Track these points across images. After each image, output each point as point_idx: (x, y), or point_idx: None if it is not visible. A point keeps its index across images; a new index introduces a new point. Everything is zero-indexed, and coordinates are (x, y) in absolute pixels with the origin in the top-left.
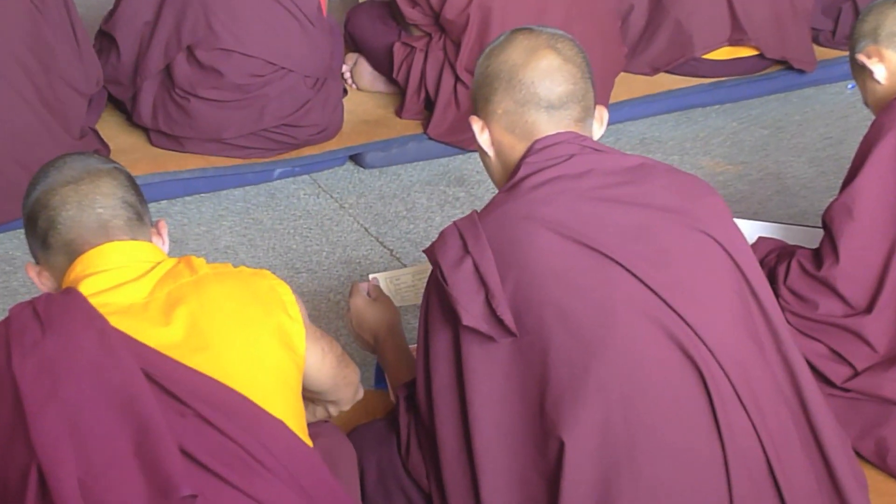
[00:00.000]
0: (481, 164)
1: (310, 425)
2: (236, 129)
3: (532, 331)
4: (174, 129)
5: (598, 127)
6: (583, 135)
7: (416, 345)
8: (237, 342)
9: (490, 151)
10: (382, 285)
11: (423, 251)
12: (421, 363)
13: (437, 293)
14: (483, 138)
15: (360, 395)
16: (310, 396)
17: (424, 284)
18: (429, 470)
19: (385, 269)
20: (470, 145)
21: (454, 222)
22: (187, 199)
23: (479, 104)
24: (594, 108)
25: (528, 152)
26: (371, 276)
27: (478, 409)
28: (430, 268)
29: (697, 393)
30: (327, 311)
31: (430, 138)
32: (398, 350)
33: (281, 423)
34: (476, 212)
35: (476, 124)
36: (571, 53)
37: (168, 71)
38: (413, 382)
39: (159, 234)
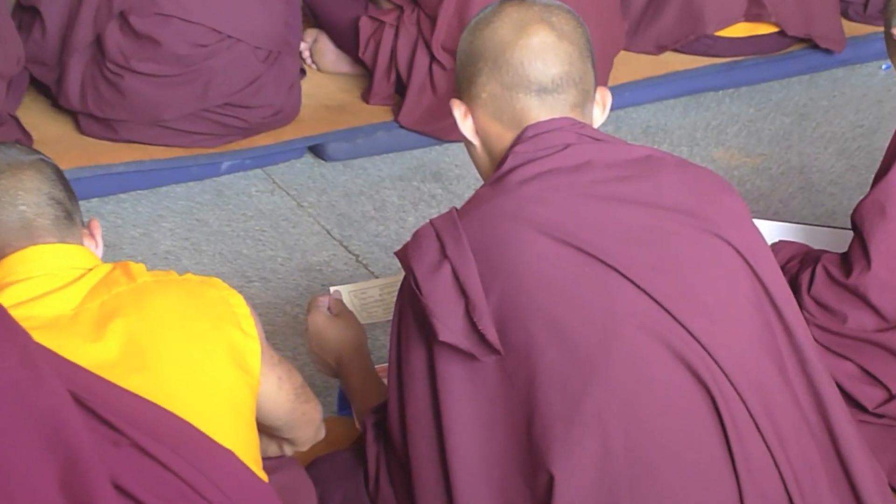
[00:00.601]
0: (461, 157)
1: (265, 458)
2: (177, 108)
3: (519, 349)
4: (106, 111)
5: (599, 112)
6: (581, 122)
7: (385, 364)
8: (181, 361)
9: (475, 140)
10: (346, 300)
11: (395, 253)
12: (393, 385)
13: (411, 304)
14: (466, 125)
15: (322, 434)
16: (262, 429)
17: (394, 299)
18: None
19: (350, 278)
20: (448, 135)
21: (430, 221)
22: (122, 196)
23: (461, 85)
24: (594, 91)
25: (518, 140)
26: (332, 290)
27: (457, 437)
28: (400, 279)
29: (709, 421)
30: (283, 326)
31: (402, 127)
32: (364, 373)
33: (231, 454)
34: (456, 209)
35: (458, 109)
36: (568, 28)
37: (99, 43)
38: (383, 407)
39: (92, 235)
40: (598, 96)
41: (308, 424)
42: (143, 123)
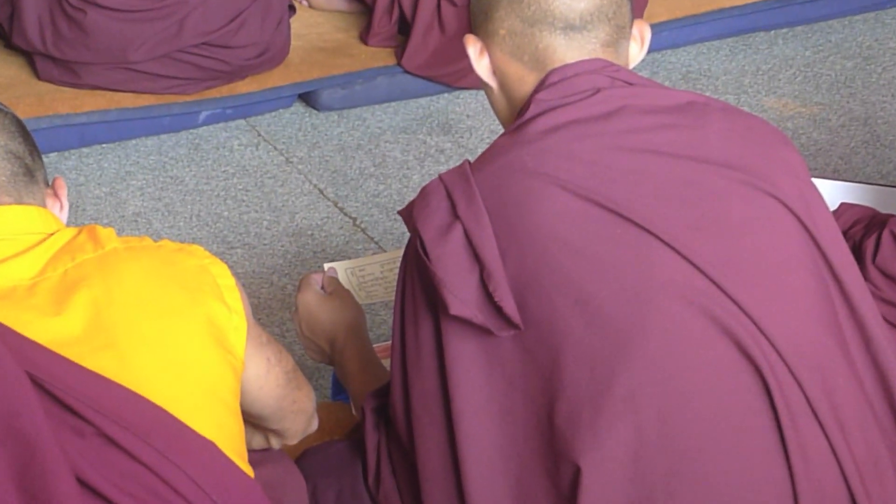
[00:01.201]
0: (472, 105)
1: (249, 451)
2: (148, 49)
3: (541, 323)
4: (66, 51)
5: (637, 49)
6: (614, 63)
7: (387, 343)
8: (154, 338)
9: (492, 82)
10: (342, 277)
11: (399, 213)
12: (397, 365)
13: (418, 272)
14: (482, 65)
15: (314, 426)
16: (247, 419)
17: (397, 277)
18: (405, 502)
19: (346, 243)
20: (458, 81)
21: (440, 176)
22: (84, 150)
23: (476, 19)
24: (630, 26)
25: (541, 86)
26: (326, 267)
27: (470, 424)
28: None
29: (759, 406)
30: (269, 299)
31: (406, 72)
32: (362, 357)
33: (211, 444)
34: (469, 162)
35: (472, 46)
36: None
37: None
38: (384, 391)
39: (56, 196)
40: (634, 31)
41: (299, 414)
42: (109, 66)
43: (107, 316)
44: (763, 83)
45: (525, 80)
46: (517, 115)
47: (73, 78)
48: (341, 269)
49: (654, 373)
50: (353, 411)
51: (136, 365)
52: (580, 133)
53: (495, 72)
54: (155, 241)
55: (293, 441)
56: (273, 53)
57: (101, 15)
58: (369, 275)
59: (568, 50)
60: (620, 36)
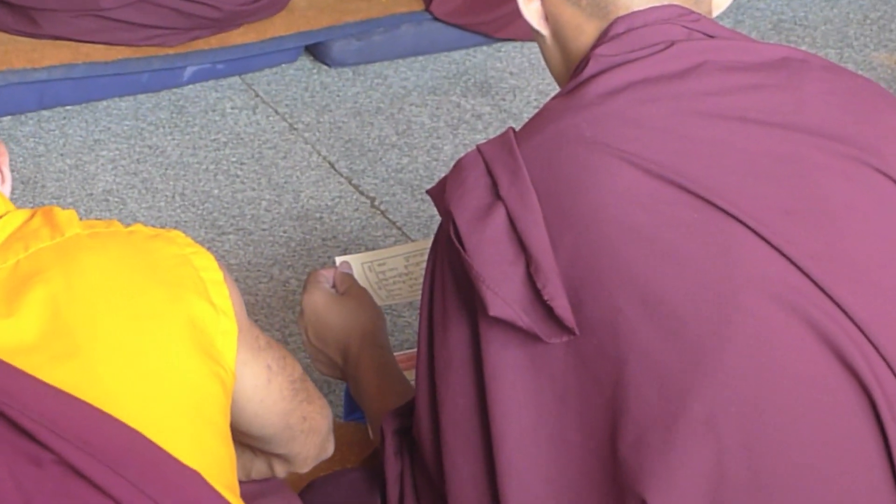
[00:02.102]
0: (517, 60)
1: (246, 482)
2: None
3: (601, 327)
4: None
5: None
6: (693, 11)
7: (411, 351)
8: (125, 345)
9: (543, 30)
10: (357, 273)
11: (427, 192)
12: (424, 378)
13: (450, 264)
14: (530, 9)
15: (330, 450)
16: (245, 441)
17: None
18: None
19: (362, 229)
20: (500, 31)
21: (478, 147)
22: (44, 113)
23: None
24: None
25: (603, 37)
26: (338, 261)
27: (513, 449)
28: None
29: (865, 432)
30: (269, 295)
31: (436, 19)
32: (381, 369)
33: (195, 474)
34: (514, 131)
35: None
36: None
37: None
38: (408, 409)
39: None
40: None
41: (310, 434)
42: (75, 13)
43: (68, 317)
44: (871, 35)
45: (583, 30)
46: (573, 74)
47: (32, 27)
48: (357, 264)
49: (739, 390)
50: (371, 434)
51: (103, 377)
52: (649, 95)
53: (547, 17)
54: (128, 225)
55: (304, 469)
56: (273, 0)
57: None
58: (391, 270)
59: None
60: None
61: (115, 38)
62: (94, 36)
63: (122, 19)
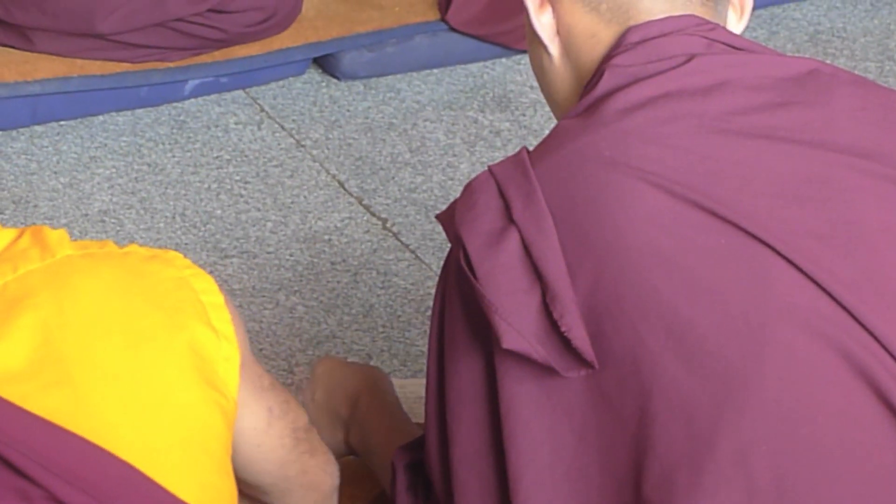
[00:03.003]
0: None
1: None
2: (122, 18)
3: (623, 360)
4: (16, 14)
5: (735, 19)
6: (711, 21)
7: (420, 380)
8: (119, 372)
9: (552, 47)
10: None
11: (437, 217)
12: (433, 413)
13: (460, 293)
14: (543, 22)
15: None
16: (241, 488)
17: None
18: None
19: (374, 251)
20: (519, 42)
21: (489, 168)
22: (37, 129)
23: None
24: None
25: (618, 47)
26: None
27: (529, 489)
28: None
29: None
30: (274, 322)
31: (452, 29)
32: (391, 412)
33: None
34: (528, 151)
35: (531, 0)
36: None
37: None
38: (419, 443)
39: None
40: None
41: (310, 491)
42: (71, 34)
43: (59, 344)
44: None
45: (599, 38)
46: (586, 90)
47: (25, 43)
48: None
49: (771, 426)
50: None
51: (96, 408)
52: (671, 113)
53: (559, 31)
54: (124, 246)
55: None
56: (281, 17)
57: None
58: (412, 394)
59: (656, 1)
60: None
61: (113, 56)
62: (90, 54)
63: (122, 41)
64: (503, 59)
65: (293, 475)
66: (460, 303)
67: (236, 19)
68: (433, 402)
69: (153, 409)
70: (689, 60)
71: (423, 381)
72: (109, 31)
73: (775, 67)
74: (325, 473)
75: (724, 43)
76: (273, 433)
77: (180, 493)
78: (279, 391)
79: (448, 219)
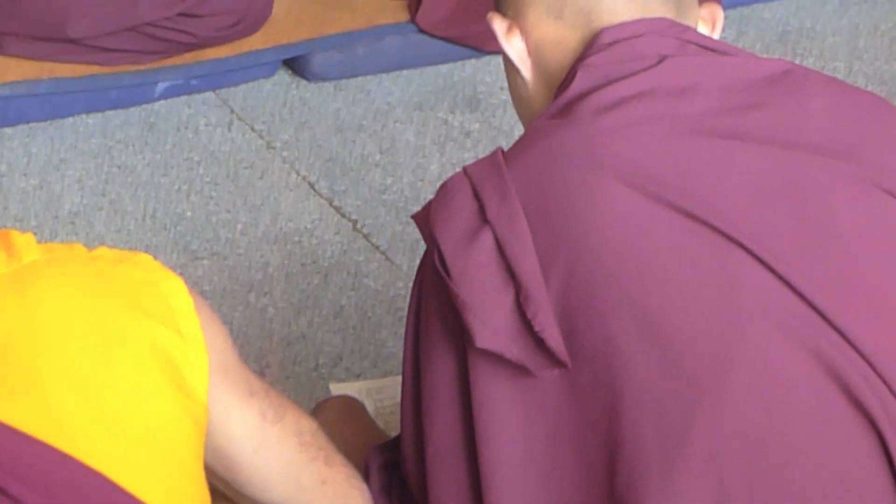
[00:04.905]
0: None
1: None
2: (93, 23)
3: (596, 358)
4: None
5: (707, 33)
6: (684, 24)
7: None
8: (87, 379)
9: (525, 70)
10: None
11: (412, 217)
12: (409, 412)
13: (435, 293)
14: (514, 46)
15: None
16: None
17: None
18: None
19: (344, 253)
20: (489, 43)
21: (464, 168)
22: (6, 131)
23: None
24: None
25: (590, 48)
26: (333, 388)
27: (502, 487)
28: None
29: (874, 467)
30: (244, 324)
31: (422, 30)
32: (362, 422)
33: None
34: (502, 151)
35: (499, 24)
36: None
37: None
38: (393, 444)
39: None
40: (704, 12)
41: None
42: (42, 39)
43: (24, 351)
44: (884, 45)
45: (566, 44)
46: (559, 91)
47: None
48: (353, 392)
49: (742, 425)
50: None
51: (64, 415)
52: (645, 113)
53: (531, 51)
54: (94, 248)
55: None
56: (250, 21)
57: None
58: (389, 398)
59: (622, 4)
60: None
61: (84, 59)
62: (60, 58)
63: (93, 45)
64: (473, 60)
65: (310, 484)
66: (435, 302)
67: (207, 23)
68: (409, 400)
69: (121, 416)
70: (661, 61)
71: (398, 379)
72: (81, 35)
73: (748, 69)
74: (350, 487)
75: (696, 44)
76: (269, 437)
77: (148, 500)
78: (273, 397)
79: (423, 219)
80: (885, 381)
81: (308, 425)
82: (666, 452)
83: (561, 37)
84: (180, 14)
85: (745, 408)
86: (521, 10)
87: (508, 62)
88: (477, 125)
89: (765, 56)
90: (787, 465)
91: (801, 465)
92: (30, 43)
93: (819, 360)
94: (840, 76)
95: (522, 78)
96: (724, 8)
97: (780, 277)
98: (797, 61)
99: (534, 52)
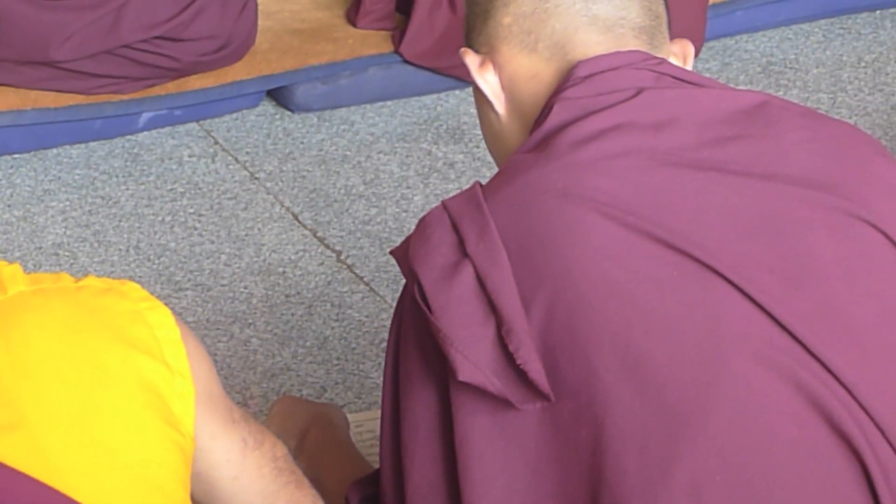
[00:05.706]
0: None
1: None
2: (74, 45)
3: (578, 391)
4: None
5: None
6: (659, 56)
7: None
8: (74, 413)
9: (499, 105)
10: None
11: (391, 253)
12: (388, 447)
13: (415, 328)
14: (487, 80)
15: None
16: None
17: None
18: None
19: (328, 284)
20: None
21: (443, 203)
22: None
23: (475, 21)
24: (667, 18)
25: (566, 81)
26: None
27: None
28: None
29: (857, 498)
30: (228, 355)
31: (406, 61)
32: (343, 448)
33: None
34: (480, 185)
35: (471, 59)
36: None
37: None
38: (374, 477)
39: None
40: (676, 48)
41: None
42: (24, 63)
43: (10, 385)
44: (866, 78)
45: (540, 78)
46: (535, 125)
47: None
48: None
49: (725, 458)
50: None
51: (50, 449)
52: (623, 145)
53: (504, 86)
54: (79, 279)
55: None
56: (234, 47)
57: (17, 0)
58: (368, 432)
59: (592, 33)
60: (657, 24)
61: (67, 86)
62: (43, 84)
63: (76, 69)
64: (457, 91)
65: None
66: (415, 337)
67: (190, 48)
68: (388, 435)
69: (108, 450)
70: (638, 94)
71: (378, 413)
72: (64, 58)
73: (725, 101)
74: None
75: (672, 76)
76: (249, 464)
77: None
78: (252, 424)
79: (402, 254)
80: (866, 411)
81: (281, 451)
82: (649, 485)
83: (535, 71)
84: (164, 38)
85: (728, 439)
86: (494, 45)
87: (481, 97)
88: (461, 156)
89: (746, 88)
90: (770, 495)
91: (784, 495)
92: (12, 69)
93: (800, 390)
94: (824, 108)
95: (496, 112)
96: (708, 39)
97: (761, 308)
98: (781, 93)
99: (507, 87)
